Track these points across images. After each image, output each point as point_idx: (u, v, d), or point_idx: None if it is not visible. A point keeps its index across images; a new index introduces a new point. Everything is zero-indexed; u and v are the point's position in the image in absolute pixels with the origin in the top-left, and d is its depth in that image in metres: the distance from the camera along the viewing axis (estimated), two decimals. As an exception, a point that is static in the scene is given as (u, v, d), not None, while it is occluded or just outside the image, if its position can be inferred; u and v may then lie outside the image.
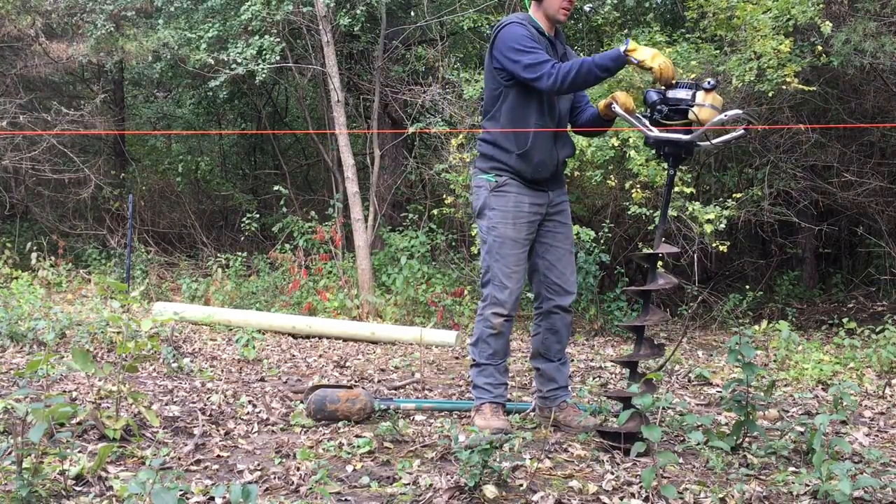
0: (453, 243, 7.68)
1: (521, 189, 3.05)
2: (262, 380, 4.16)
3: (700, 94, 2.67)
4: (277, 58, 7.65)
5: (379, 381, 4.17)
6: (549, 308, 3.16)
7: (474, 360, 3.14)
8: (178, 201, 10.86)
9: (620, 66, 2.78)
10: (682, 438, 2.94)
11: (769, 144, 6.80)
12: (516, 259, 3.05)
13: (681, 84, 2.72)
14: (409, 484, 2.42)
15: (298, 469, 2.54)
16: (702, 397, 3.84)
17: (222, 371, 4.35)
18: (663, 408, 3.19)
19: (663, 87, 2.75)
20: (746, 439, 2.87)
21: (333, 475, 2.48)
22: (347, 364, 4.73)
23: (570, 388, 3.29)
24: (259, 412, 3.35)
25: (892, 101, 6.39)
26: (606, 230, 6.22)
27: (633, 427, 2.67)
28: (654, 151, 3.03)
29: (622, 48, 2.74)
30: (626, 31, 7.39)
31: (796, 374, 4.27)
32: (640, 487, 2.33)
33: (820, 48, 5.75)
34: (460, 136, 6.85)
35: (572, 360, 4.85)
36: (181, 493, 2.07)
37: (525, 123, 3.00)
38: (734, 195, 6.27)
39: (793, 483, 2.38)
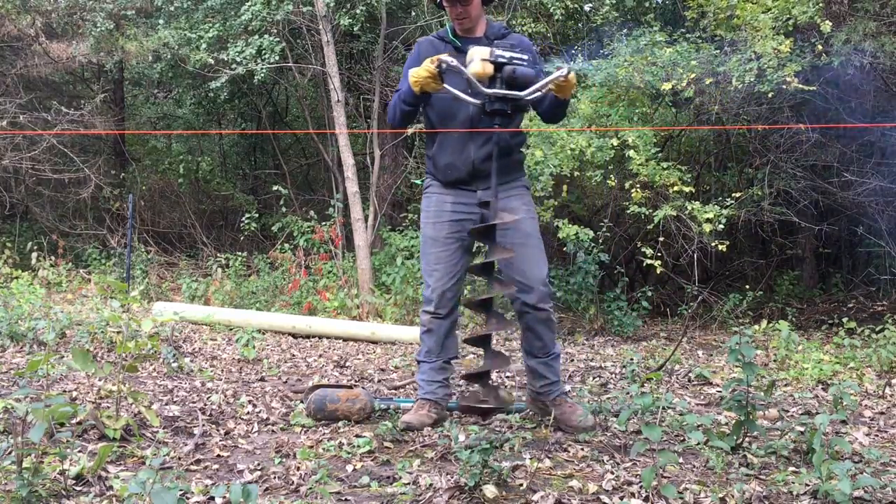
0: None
1: (442, 189, 3.11)
2: (262, 380, 4.16)
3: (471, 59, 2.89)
4: (277, 58, 7.65)
5: (379, 381, 4.17)
6: (519, 308, 3.10)
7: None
8: (178, 201, 10.86)
9: (415, 98, 2.98)
10: (682, 438, 2.94)
11: (769, 144, 6.80)
12: (436, 257, 3.09)
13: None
14: (409, 484, 2.42)
15: (298, 469, 2.54)
16: (702, 397, 3.84)
17: (222, 371, 4.35)
18: (663, 408, 3.19)
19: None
20: (746, 439, 2.87)
21: (333, 475, 2.48)
22: (347, 364, 4.73)
23: (563, 382, 3.22)
24: (259, 412, 3.35)
25: (892, 101, 6.39)
26: (606, 230, 6.22)
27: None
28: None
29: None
30: (625, 30, 7.39)
31: (796, 374, 4.27)
32: (640, 487, 2.33)
33: (820, 48, 5.75)
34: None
35: (572, 360, 4.85)
36: (181, 492, 2.07)
37: (430, 128, 3.14)
38: (734, 195, 6.28)
39: (793, 483, 2.38)
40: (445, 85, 2.89)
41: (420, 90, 2.93)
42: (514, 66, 2.86)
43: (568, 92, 2.95)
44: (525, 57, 2.90)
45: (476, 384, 2.98)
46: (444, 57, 2.85)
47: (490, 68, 2.85)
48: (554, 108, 3.08)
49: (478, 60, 2.85)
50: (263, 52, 7.57)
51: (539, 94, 2.93)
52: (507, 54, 2.87)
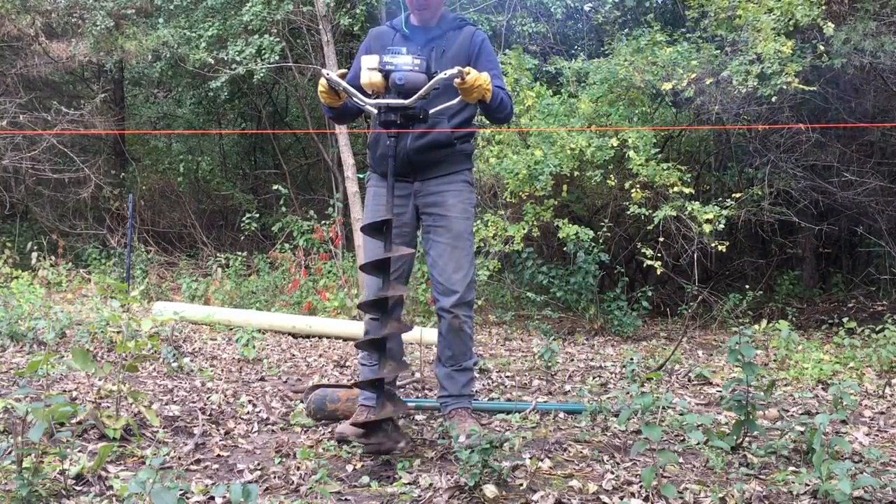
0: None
1: (378, 182, 2.98)
2: (262, 379, 4.16)
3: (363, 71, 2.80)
4: (277, 57, 7.65)
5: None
6: (437, 310, 2.98)
7: None
8: (178, 201, 10.86)
9: (329, 110, 2.98)
10: (682, 438, 2.94)
11: (769, 144, 6.80)
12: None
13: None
14: (409, 484, 2.42)
15: (298, 469, 2.54)
16: (702, 397, 3.84)
17: (222, 371, 4.35)
18: (663, 408, 3.19)
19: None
20: (746, 439, 2.87)
21: (333, 475, 2.48)
22: (347, 364, 4.73)
23: (467, 397, 3.02)
24: (259, 412, 3.35)
25: (892, 101, 6.39)
26: (606, 230, 6.22)
27: (387, 414, 2.62)
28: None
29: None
30: (625, 30, 7.39)
31: (796, 373, 4.27)
32: (640, 487, 2.34)
33: (821, 48, 5.75)
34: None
35: (572, 360, 4.85)
36: (181, 492, 2.07)
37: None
38: (734, 195, 6.27)
39: (793, 483, 2.38)
40: (355, 96, 2.82)
41: (327, 105, 2.93)
42: (402, 73, 2.69)
43: (473, 94, 2.72)
44: (417, 62, 2.71)
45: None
46: (325, 71, 2.82)
47: (378, 77, 2.72)
48: (485, 112, 2.94)
49: (365, 70, 2.74)
50: (263, 51, 7.57)
51: (424, 98, 2.72)
52: (396, 61, 2.71)
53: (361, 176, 2.96)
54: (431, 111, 2.81)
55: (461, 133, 2.98)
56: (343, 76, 2.89)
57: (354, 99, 2.85)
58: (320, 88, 2.88)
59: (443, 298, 2.93)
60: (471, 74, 2.70)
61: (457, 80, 2.69)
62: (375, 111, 2.79)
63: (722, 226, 5.81)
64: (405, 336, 5.68)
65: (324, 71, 2.84)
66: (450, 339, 2.95)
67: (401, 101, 2.71)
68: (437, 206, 2.96)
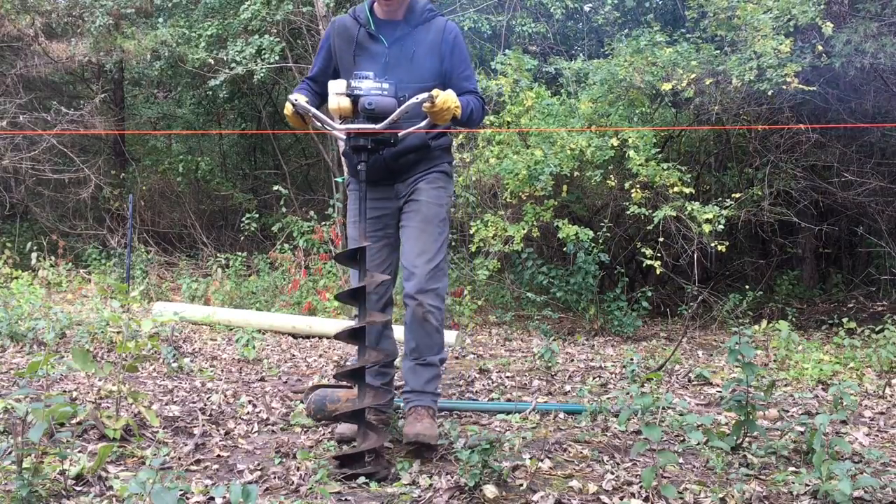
0: (453, 243, 7.69)
1: (356, 186, 2.85)
2: (262, 380, 4.16)
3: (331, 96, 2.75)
4: (277, 57, 7.65)
5: (379, 381, 4.16)
6: (403, 297, 2.83)
7: None
8: (178, 201, 10.87)
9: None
10: (682, 438, 2.94)
11: (769, 144, 6.80)
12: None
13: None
14: (409, 484, 2.42)
15: (298, 469, 2.54)
16: (702, 397, 3.84)
17: (222, 371, 4.35)
18: (663, 408, 3.19)
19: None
20: (746, 439, 2.87)
21: (333, 475, 2.48)
22: (347, 364, 4.72)
23: (430, 394, 2.86)
24: (259, 412, 3.35)
25: (892, 101, 6.39)
26: (606, 230, 6.22)
27: (371, 444, 2.52)
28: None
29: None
30: (625, 31, 7.39)
31: (796, 374, 4.27)
32: (640, 487, 2.34)
33: (820, 48, 5.75)
34: (460, 136, 6.85)
35: (572, 360, 4.85)
36: (181, 492, 2.07)
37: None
38: (734, 195, 6.28)
39: (793, 483, 2.38)
40: (325, 122, 2.78)
41: (295, 127, 2.93)
42: (371, 98, 2.63)
43: (444, 116, 2.67)
44: (385, 86, 2.67)
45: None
46: (292, 97, 2.78)
47: (346, 102, 2.67)
48: (456, 125, 2.88)
49: (333, 95, 2.69)
50: (263, 51, 7.57)
51: (394, 123, 2.67)
52: (364, 85, 2.65)
53: (340, 180, 2.89)
54: (400, 134, 2.76)
55: (435, 132, 2.92)
56: (309, 101, 2.85)
57: (323, 125, 2.80)
58: (286, 112, 2.84)
59: (406, 284, 2.80)
60: (439, 97, 2.64)
61: (426, 105, 2.64)
62: (345, 136, 2.75)
63: (721, 226, 5.81)
64: (400, 336, 5.66)
65: (291, 97, 2.80)
66: (413, 328, 2.80)
67: (371, 125, 2.67)
68: (414, 192, 2.90)
